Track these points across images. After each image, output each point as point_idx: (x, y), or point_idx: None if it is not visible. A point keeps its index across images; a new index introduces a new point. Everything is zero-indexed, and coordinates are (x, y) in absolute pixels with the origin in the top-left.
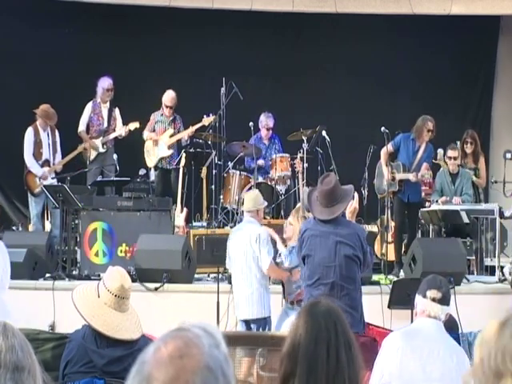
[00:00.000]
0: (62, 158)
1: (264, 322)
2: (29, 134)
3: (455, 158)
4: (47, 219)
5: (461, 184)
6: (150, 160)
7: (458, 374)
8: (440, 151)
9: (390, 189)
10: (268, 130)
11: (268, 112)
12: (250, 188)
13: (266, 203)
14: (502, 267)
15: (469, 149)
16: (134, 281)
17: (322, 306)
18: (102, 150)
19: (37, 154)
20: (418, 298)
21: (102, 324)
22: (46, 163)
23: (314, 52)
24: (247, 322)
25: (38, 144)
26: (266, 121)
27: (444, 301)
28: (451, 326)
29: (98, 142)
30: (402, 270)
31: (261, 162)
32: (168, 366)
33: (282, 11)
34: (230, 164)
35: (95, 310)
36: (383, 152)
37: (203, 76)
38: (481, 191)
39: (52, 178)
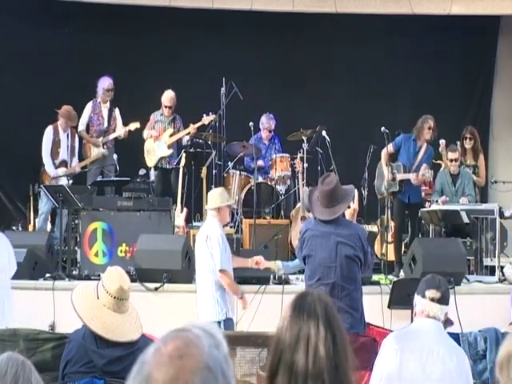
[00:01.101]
0: (79, 162)
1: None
2: (48, 132)
3: (456, 160)
4: (47, 219)
5: (462, 185)
6: (150, 160)
7: (458, 375)
8: (442, 142)
9: (391, 189)
10: (270, 131)
11: (269, 113)
12: (249, 188)
13: (230, 201)
14: (502, 267)
15: (468, 144)
16: (133, 281)
17: (309, 298)
18: (102, 149)
19: (54, 153)
20: (417, 298)
21: (101, 327)
22: (63, 164)
23: (314, 52)
24: None
25: (56, 143)
26: (267, 123)
27: (443, 300)
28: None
29: (98, 141)
30: (401, 270)
31: (260, 162)
32: (168, 366)
33: (281, 11)
34: (230, 164)
35: (94, 311)
36: (383, 152)
37: (203, 76)
38: (477, 192)
39: (68, 179)
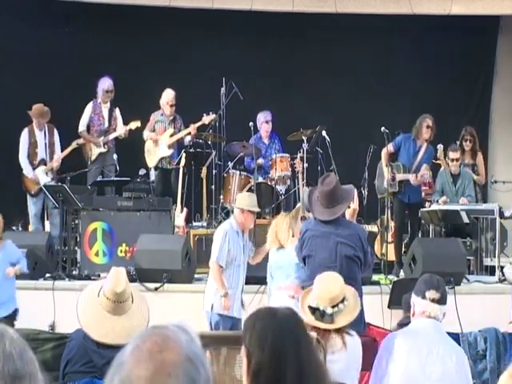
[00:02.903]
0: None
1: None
2: (24, 135)
3: (457, 160)
4: (47, 219)
5: (462, 185)
6: (151, 160)
7: (458, 374)
8: (440, 146)
9: (390, 189)
10: (267, 122)
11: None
12: (249, 188)
13: (254, 209)
14: (502, 267)
15: (467, 146)
16: (133, 281)
17: (282, 318)
18: (102, 149)
19: (32, 155)
20: (417, 299)
21: (88, 325)
22: (42, 162)
23: (314, 52)
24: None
25: (32, 144)
26: (263, 115)
27: (442, 300)
28: None
29: (99, 141)
30: (401, 270)
31: (260, 160)
32: (148, 361)
33: (281, 11)
34: (230, 164)
35: (90, 310)
36: (384, 152)
37: (203, 76)
38: (478, 190)
39: (48, 175)
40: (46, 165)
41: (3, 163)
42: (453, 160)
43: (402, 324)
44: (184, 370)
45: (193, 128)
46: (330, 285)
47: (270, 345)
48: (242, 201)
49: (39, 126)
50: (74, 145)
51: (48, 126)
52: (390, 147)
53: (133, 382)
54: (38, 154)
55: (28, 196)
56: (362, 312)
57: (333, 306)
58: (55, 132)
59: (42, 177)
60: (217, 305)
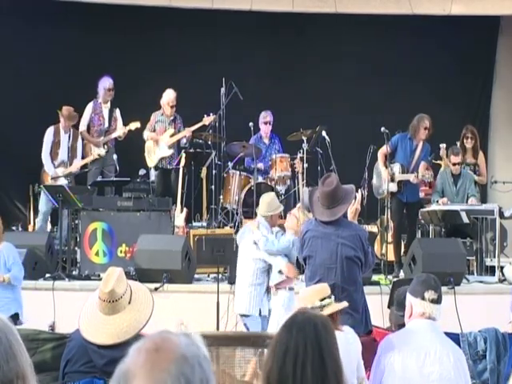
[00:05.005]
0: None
1: (252, 319)
2: (49, 133)
3: (459, 164)
4: (47, 219)
5: (463, 185)
6: (151, 160)
7: (457, 374)
8: (443, 146)
9: (390, 190)
10: (265, 124)
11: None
12: (249, 188)
13: (281, 207)
14: (502, 267)
15: (469, 144)
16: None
17: (300, 317)
18: (102, 150)
19: (53, 154)
20: (415, 301)
21: (81, 324)
22: (62, 165)
23: (314, 52)
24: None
25: (55, 144)
26: (263, 116)
27: (440, 300)
28: None
29: (99, 141)
30: (401, 270)
31: (260, 165)
32: (144, 359)
33: (281, 11)
34: (230, 164)
35: (88, 310)
36: (381, 153)
37: (203, 76)
38: (478, 191)
39: (66, 179)
40: (65, 167)
41: (3, 163)
42: (454, 164)
43: (401, 325)
44: (177, 366)
45: (188, 131)
46: (314, 286)
47: (268, 356)
48: (265, 208)
49: (65, 128)
50: (95, 155)
51: (73, 130)
52: (387, 148)
53: (129, 377)
54: (60, 154)
55: (42, 194)
56: (363, 313)
57: (321, 300)
58: (79, 138)
59: (62, 178)
60: (265, 308)
